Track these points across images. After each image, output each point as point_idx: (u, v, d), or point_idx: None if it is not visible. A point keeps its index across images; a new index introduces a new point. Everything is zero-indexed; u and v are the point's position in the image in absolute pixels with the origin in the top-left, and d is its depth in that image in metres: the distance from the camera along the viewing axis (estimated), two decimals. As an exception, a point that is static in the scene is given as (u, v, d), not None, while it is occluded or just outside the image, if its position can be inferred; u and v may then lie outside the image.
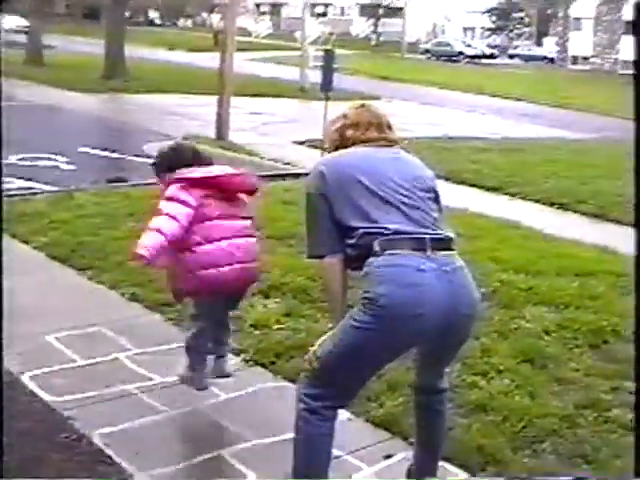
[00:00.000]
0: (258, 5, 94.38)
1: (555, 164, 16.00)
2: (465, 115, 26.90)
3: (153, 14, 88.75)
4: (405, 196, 3.81)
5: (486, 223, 10.72)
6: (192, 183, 4.87)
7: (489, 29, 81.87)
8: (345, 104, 4.24)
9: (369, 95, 26.45)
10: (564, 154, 17.71)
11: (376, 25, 75.21)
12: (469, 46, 68.75)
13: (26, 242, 8.69)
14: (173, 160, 5.07)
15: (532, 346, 6.37)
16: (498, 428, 5.07)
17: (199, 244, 4.84)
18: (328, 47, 24.64)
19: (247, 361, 5.99)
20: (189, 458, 4.66)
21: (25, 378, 5.52)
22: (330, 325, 3.95)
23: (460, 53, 65.26)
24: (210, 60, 29.45)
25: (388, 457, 4.75)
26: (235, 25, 19.33)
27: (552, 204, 12.51)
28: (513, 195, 13.10)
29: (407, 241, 3.70)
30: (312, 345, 3.91)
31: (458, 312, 3.74)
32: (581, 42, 61.98)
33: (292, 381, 5.25)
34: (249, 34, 69.50)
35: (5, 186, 10.89)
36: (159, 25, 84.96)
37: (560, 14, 66.43)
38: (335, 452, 4.02)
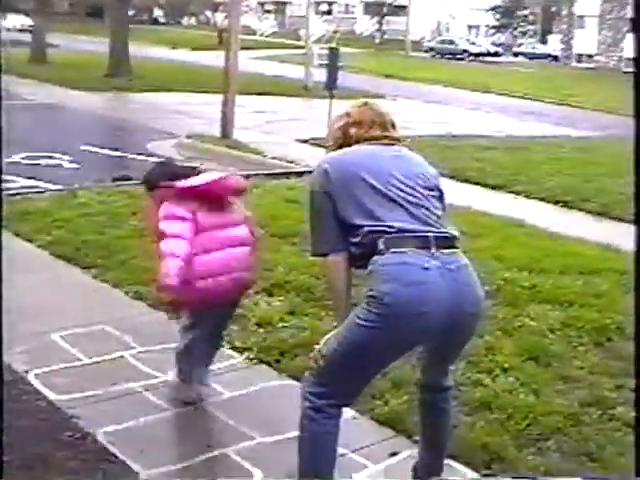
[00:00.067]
0: (262, 3, 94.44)
1: (559, 162, 15.98)
2: (469, 113, 26.88)
3: (157, 12, 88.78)
4: (409, 194, 3.81)
5: (490, 221, 10.71)
6: (182, 196, 4.89)
7: (493, 27, 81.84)
8: (349, 102, 4.24)
9: (373, 93, 26.44)
10: (568, 152, 17.69)
11: (380, 23, 75.18)
12: (473, 44, 68.72)
13: (30, 241, 8.70)
14: (162, 175, 5.09)
15: (536, 344, 6.36)
16: (503, 426, 5.07)
17: (195, 255, 4.86)
18: (332, 45, 24.64)
19: (251, 359, 6.00)
20: (194, 456, 4.66)
21: (30, 376, 5.53)
22: (334, 323, 3.95)
23: (464, 51, 65.20)
24: (214, 59, 29.47)
25: (393, 455, 4.75)
26: (239, 23, 19.31)
27: (556, 202, 12.49)
28: (517, 193, 13.08)
29: (411, 239, 3.70)
30: (317, 343, 3.91)
31: (462, 310, 3.74)
32: (585, 40, 61.89)
33: (297, 379, 5.25)
34: (253, 32, 69.57)
35: (8, 185, 10.92)
36: (163, 23, 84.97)
37: (564, 12, 66.32)
38: (340, 450, 4.02)
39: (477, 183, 13.74)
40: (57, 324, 6.40)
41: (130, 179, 11.84)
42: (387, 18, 75.42)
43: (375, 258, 3.68)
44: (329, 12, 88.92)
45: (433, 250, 3.70)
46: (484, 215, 11.05)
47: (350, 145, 3.99)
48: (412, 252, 3.67)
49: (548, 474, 4.60)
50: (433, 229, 3.77)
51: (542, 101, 32.11)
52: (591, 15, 61.87)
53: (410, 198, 3.81)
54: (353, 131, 4.02)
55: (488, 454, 4.73)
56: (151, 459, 4.65)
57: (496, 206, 11.76)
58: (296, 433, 3.96)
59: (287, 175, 13.25)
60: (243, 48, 20.49)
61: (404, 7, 68.12)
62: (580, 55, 63.11)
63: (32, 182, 11.93)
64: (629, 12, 54.75)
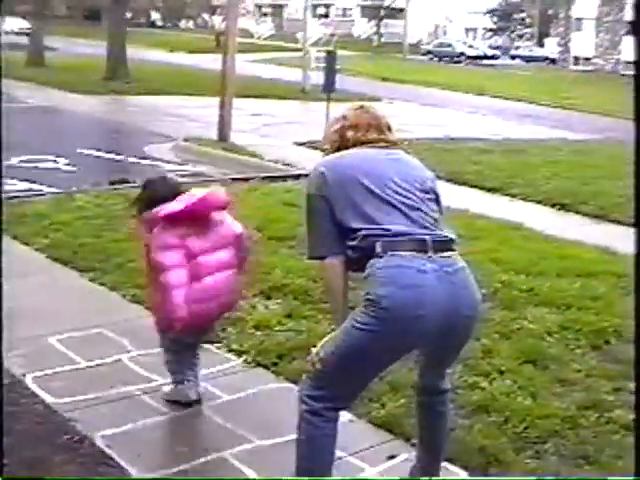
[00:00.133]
0: (259, 6, 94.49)
1: (556, 165, 15.99)
2: (466, 116, 26.90)
3: (154, 15, 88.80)
4: (406, 197, 3.81)
5: (487, 224, 10.71)
6: (170, 223, 4.92)
7: (491, 30, 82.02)
8: (347, 105, 4.24)
9: (371, 96, 26.49)
10: (565, 155, 17.70)
11: (378, 26, 75.30)
12: (471, 47, 68.84)
13: (27, 244, 8.70)
14: (148, 200, 5.11)
15: (534, 347, 6.36)
16: (500, 429, 5.07)
17: (203, 277, 4.98)
18: (330, 48, 24.66)
19: (249, 362, 5.99)
20: (191, 459, 4.65)
21: (27, 380, 5.52)
22: (332, 326, 3.95)
23: (462, 54, 65.31)
24: (212, 62, 29.47)
25: (391, 458, 4.75)
26: (236, 26, 19.31)
27: (553, 205, 12.49)
28: (514, 196, 13.08)
29: (408, 242, 3.70)
30: (314, 346, 3.90)
31: (459, 313, 3.74)
32: (583, 43, 61.97)
33: (294, 382, 5.25)
34: (251, 35, 69.56)
35: (6, 188, 10.91)
36: (160, 27, 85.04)
37: (562, 15, 66.42)
38: (337, 453, 4.02)
39: (474, 186, 13.74)
40: (54, 327, 6.40)
41: (127, 182, 11.85)
42: (384, 21, 75.56)
43: (372, 261, 3.68)
44: (326, 15, 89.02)
45: (430, 253, 3.70)
46: (481, 218, 11.05)
47: (347, 148, 3.99)
48: (409, 255, 3.67)
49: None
50: (430, 232, 3.77)
51: (539, 104, 32.14)
52: (588, 18, 61.93)
53: (407, 201, 3.81)
54: (350, 134, 4.01)
55: (485, 457, 4.73)
56: (148, 462, 4.65)
57: (493, 209, 11.76)
58: (294, 436, 3.96)
59: (284, 178, 13.26)
60: (240, 51, 20.51)
61: (401, 10, 68.25)
62: (577, 58, 63.18)
63: (29, 185, 11.93)
64: (626, 15, 54.89)
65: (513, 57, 72.02)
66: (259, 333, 6.48)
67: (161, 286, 4.96)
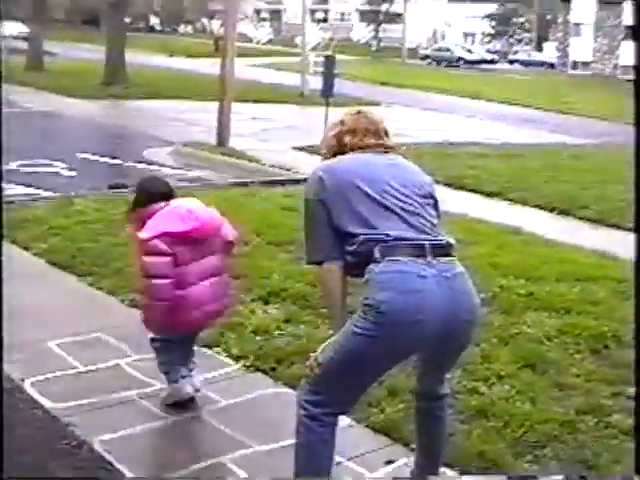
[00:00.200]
0: (258, 11, 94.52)
1: (555, 169, 15.99)
2: (465, 120, 26.92)
3: (153, 20, 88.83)
4: (404, 202, 3.81)
5: (486, 229, 10.71)
6: (168, 236, 4.97)
7: (489, 34, 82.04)
8: (345, 110, 4.25)
9: (369, 101, 26.49)
10: (564, 159, 17.71)
11: (376, 31, 75.29)
12: (469, 51, 68.88)
13: (26, 248, 8.70)
14: (149, 195, 5.19)
15: (533, 352, 6.36)
16: (499, 434, 5.06)
17: (187, 286, 5.04)
18: (328, 53, 24.67)
19: (247, 367, 5.99)
20: (190, 464, 4.65)
21: (26, 385, 5.52)
22: (330, 331, 3.94)
23: (460, 58, 65.35)
24: (210, 66, 29.51)
25: (389, 463, 4.75)
26: (235, 31, 19.34)
27: (552, 209, 12.50)
28: (513, 201, 13.09)
29: (407, 247, 3.70)
30: (313, 351, 3.90)
31: (458, 318, 3.74)
32: (581, 47, 62.00)
33: (292, 387, 5.25)
34: (249, 40, 69.62)
35: (5, 192, 10.90)
36: (159, 31, 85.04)
37: (560, 19, 66.46)
38: (336, 458, 4.01)
39: (473, 190, 13.75)
40: (53, 332, 6.39)
41: (126, 187, 11.83)
42: (383, 26, 75.54)
43: (371, 266, 3.68)
44: (325, 20, 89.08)
45: (429, 258, 3.70)
46: (480, 222, 11.05)
47: (345, 153, 3.99)
48: (408, 260, 3.67)
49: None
50: (429, 237, 3.77)
51: (538, 108, 32.15)
52: (587, 23, 61.97)
53: (406, 206, 3.81)
54: (347, 139, 4.02)
55: (484, 462, 4.72)
56: (147, 467, 4.65)
57: (492, 213, 11.76)
58: (292, 441, 3.95)
59: (283, 182, 13.26)
60: (239, 55, 20.53)
61: (400, 15, 68.30)
62: (576, 62, 63.21)
63: (29, 190, 11.92)
64: (624, 20, 54.91)
65: (511, 62, 72.06)
66: (258, 338, 6.47)
67: (147, 290, 5.03)
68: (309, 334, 6.45)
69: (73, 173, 13.89)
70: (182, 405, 5.32)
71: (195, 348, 5.65)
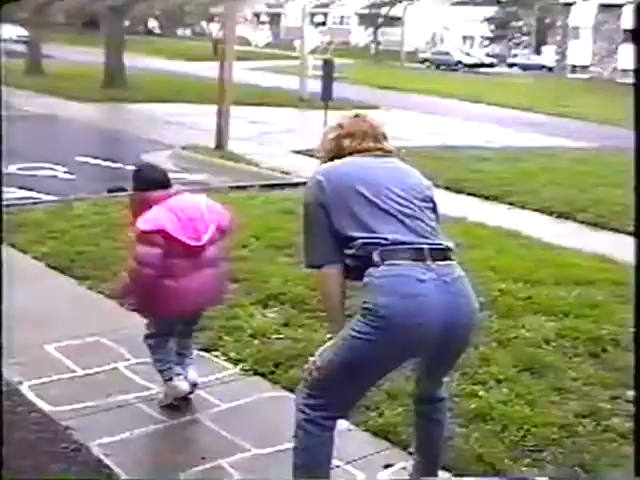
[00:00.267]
0: (257, 14, 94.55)
1: (554, 173, 15.98)
2: (464, 124, 26.91)
3: (152, 23, 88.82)
4: (403, 206, 3.81)
5: (485, 232, 10.71)
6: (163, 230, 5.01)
7: (488, 38, 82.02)
8: (344, 113, 4.25)
9: (368, 104, 26.49)
10: (563, 163, 17.70)
11: (375, 34, 75.28)
12: (468, 55, 68.89)
13: (25, 252, 8.70)
14: (149, 180, 5.25)
15: (531, 355, 6.36)
16: (497, 437, 5.07)
17: (174, 276, 5.06)
18: (327, 56, 24.69)
19: (246, 371, 5.99)
20: (188, 468, 4.65)
21: (24, 388, 5.52)
22: (329, 335, 3.94)
23: (459, 62, 65.37)
24: (209, 69, 29.50)
25: (388, 467, 4.75)
26: (234, 34, 19.34)
27: (551, 213, 12.49)
28: (512, 204, 13.07)
29: (407, 251, 3.70)
30: (311, 355, 3.91)
31: (458, 322, 3.74)
32: (580, 51, 62.03)
33: (291, 391, 5.24)
34: (248, 43, 69.63)
35: (4, 196, 10.89)
36: (158, 34, 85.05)
37: (559, 23, 66.48)
38: (335, 462, 4.02)
39: (472, 194, 13.74)
40: (52, 335, 6.40)
41: (125, 190, 11.80)
42: (382, 29, 75.53)
43: (370, 270, 3.68)
44: (324, 23, 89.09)
45: (428, 262, 3.71)
46: (479, 226, 11.05)
47: (343, 157, 3.99)
48: (407, 264, 3.67)
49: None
50: (428, 241, 3.77)
51: (537, 112, 32.12)
52: (586, 26, 62.01)
53: (405, 210, 3.81)
54: (346, 143, 4.02)
55: (483, 465, 4.73)
56: (145, 471, 4.65)
57: (491, 217, 11.76)
58: (291, 445, 3.96)
59: (282, 186, 13.24)
60: (238, 59, 20.54)
61: (399, 18, 68.33)
62: (574, 66, 63.22)
63: (27, 193, 11.92)
64: (623, 23, 54.94)
65: (510, 65, 72.06)
66: (256, 341, 6.48)
67: (132, 273, 5.08)
68: (308, 338, 6.45)
69: (72, 176, 13.88)
70: (180, 408, 5.32)
71: (194, 347, 5.67)
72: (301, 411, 3.83)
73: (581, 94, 42.60)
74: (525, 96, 38.03)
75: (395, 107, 29.42)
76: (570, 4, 62.47)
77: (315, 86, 23.27)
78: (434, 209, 4.00)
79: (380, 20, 75.25)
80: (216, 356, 6.21)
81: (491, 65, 67.19)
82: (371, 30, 77.09)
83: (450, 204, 10.80)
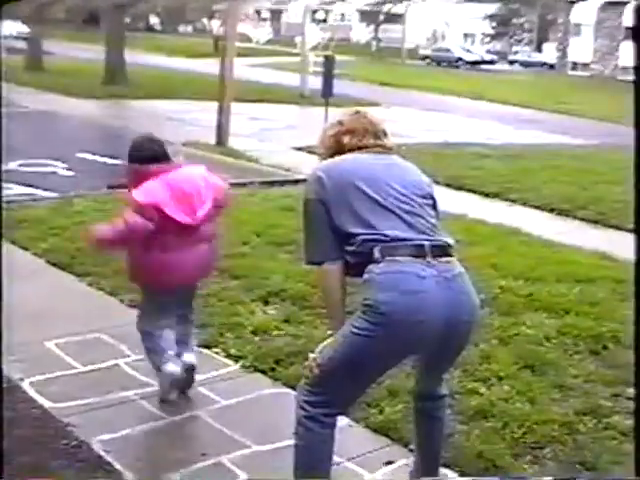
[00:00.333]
0: (258, 11, 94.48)
1: (555, 170, 15.98)
2: (465, 121, 26.89)
3: (153, 20, 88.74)
4: (404, 202, 3.81)
5: (486, 229, 10.71)
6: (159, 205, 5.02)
7: (489, 35, 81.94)
8: (345, 110, 4.24)
9: (369, 101, 26.49)
10: (564, 160, 17.69)
11: (376, 31, 75.23)
12: (469, 52, 68.80)
13: (26, 248, 8.70)
14: (152, 152, 5.34)
15: (532, 352, 6.36)
16: (498, 434, 5.07)
17: (167, 249, 5.08)
18: (328, 53, 24.65)
19: (247, 367, 5.99)
20: (189, 464, 4.65)
21: (25, 384, 5.52)
22: (329, 332, 3.94)
23: (460, 59, 65.28)
24: (210, 66, 29.49)
25: (389, 463, 4.75)
26: (235, 31, 19.33)
27: (552, 210, 12.49)
28: (513, 201, 13.08)
29: (407, 248, 3.70)
30: (312, 352, 3.90)
31: (458, 318, 3.74)
32: (581, 48, 61.98)
33: (292, 388, 5.24)
34: (249, 40, 69.57)
35: (5, 192, 10.90)
36: (159, 31, 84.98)
37: (560, 20, 66.43)
38: (335, 459, 4.01)
39: (473, 191, 13.74)
40: (52, 332, 6.40)
41: (125, 187, 11.81)
42: (383, 26, 75.49)
43: (370, 267, 3.68)
44: (325, 20, 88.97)
45: (429, 259, 3.70)
46: (480, 223, 11.05)
47: (342, 153, 3.99)
48: (408, 261, 3.67)
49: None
50: (428, 237, 3.77)
51: (537, 109, 32.11)
52: (587, 23, 61.97)
53: (405, 207, 3.80)
54: (346, 140, 4.01)
55: (483, 462, 4.73)
56: (146, 468, 4.65)
57: (492, 214, 11.75)
58: (291, 442, 3.96)
59: (283, 183, 13.24)
60: (239, 55, 20.53)
61: (400, 15, 68.23)
62: (575, 63, 63.18)
63: (28, 190, 11.91)
64: (625, 20, 54.91)
65: (511, 62, 72.00)
66: (257, 338, 6.48)
67: (118, 234, 5.12)
68: (308, 334, 6.45)
69: (72, 173, 13.87)
70: (181, 405, 5.33)
71: (194, 338, 5.67)
72: (302, 408, 3.83)
73: (582, 91, 42.58)
74: (526, 93, 38.01)
75: (396, 104, 29.40)
76: (572, 1, 62.39)
77: (316, 83, 23.25)
78: (434, 206, 4.00)
79: (381, 17, 75.22)
80: (216, 353, 6.21)
81: (492, 62, 67.10)
82: (372, 27, 77.05)
83: (450, 201, 10.80)
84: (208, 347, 6.24)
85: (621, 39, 56.99)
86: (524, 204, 12.88)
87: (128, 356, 6.06)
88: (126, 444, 4.88)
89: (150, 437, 5.03)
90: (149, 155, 5.18)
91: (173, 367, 5.28)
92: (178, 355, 5.38)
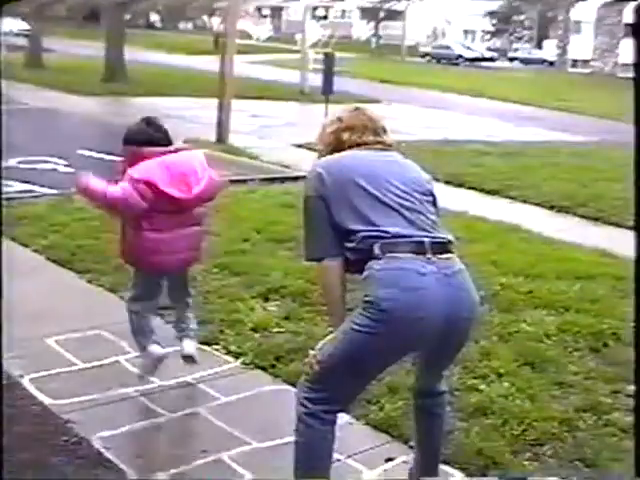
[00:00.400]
0: (259, 8, 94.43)
1: (555, 167, 15.98)
2: (465, 118, 26.89)
3: (153, 17, 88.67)
4: (404, 199, 3.81)
5: (486, 226, 10.71)
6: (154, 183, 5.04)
7: (489, 32, 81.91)
8: (345, 107, 4.24)
9: (369, 98, 26.47)
10: (564, 157, 17.69)
11: (377, 28, 75.24)
12: (469, 49, 68.83)
13: (26, 245, 8.70)
14: (147, 135, 5.42)
15: (532, 349, 6.36)
16: (498, 431, 5.07)
17: (144, 230, 5.15)
18: (328, 50, 24.66)
19: (247, 364, 5.99)
20: (189, 461, 4.65)
21: (25, 381, 5.52)
22: (330, 328, 3.94)
23: (460, 56, 65.30)
24: (210, 63, 29.46)
25: (389, 460, 4.75)
26: (235, 28, 19.32)
27: (552, 207, 12.49)
28: (513, 198, 13.08)
29: (407, 244, 3.70)
30: (312, 348, 3.90)
31: (458, 315, 3.74)
32: (581, 45, 62.01)
33: (292, 384, 5.23)
34: (249, 37, 69.54)
35: (5, 189, 10.89)
36: (159, 28, 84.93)
37: (561, 17, 66.41)
38: (335, 456, 4.01)
39: (473, 188, 13.73)
40: (52, 329, 6.40)
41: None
42: (383, 23, 75.50)
43: (371, 263, 3.67)
44: (326, 17, 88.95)
45: (429, 255, 3.70)
46: (480, 220, 11.05)
47: (342, 150, 3.98)
48: (408, 257, 3.67)
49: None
50: (429, 234, 3.77)
51: (538, 106, 32.08)
52: (587, 20, 61.96)
53: (405, 203, 3.80)
54: (345, 136, 4.01)
55: (483, 459, 4.73)
56: (146, 464, 4.65)
57: (492, 211, 11.75)
58: (292, 438, 3.95)
59: (283, 180, 13.24)
60: (239, 52, 20.49)
61: (400, 12, 68.21)
62: (576, 60, 63.21)
63: (28, 186, 11.90)
64: (625, 18, 54.89)
65: (511, 59, 72.02)
66: (257, 335, 6.48)
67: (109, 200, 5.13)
68: (308, 331, 6.45)
69: (73, 170, 13.85)
70: (180, 402, 5.33)
71: (194, 321, 5.71)
72: (302, 405, 3.83)
73: (582, 89, 42.59)
74: (526, 91, 38.01)
75: (396, 101, 29.39)
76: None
77: (316, 80, 23.28)
78: (434, 203, 4.00)
79: (382, 14, 75.20)
80: (217, 350, 6.21)
81: (492, 59, 67.13)
82: (372, 24, 77.04)
83: (451, 198, 10.81)
84: (208, 344, 6.24)
85: (621, 36, 57.00)
86: (524, 201, 12.88)
87: (128, 353, 6.05)
88: (126, 441, 4.88)
89: (150, 434, 5.03)
90: (144, 139, 5.19)
91: (158, 349, 5.37)
92: (180, 340, 5.43)
